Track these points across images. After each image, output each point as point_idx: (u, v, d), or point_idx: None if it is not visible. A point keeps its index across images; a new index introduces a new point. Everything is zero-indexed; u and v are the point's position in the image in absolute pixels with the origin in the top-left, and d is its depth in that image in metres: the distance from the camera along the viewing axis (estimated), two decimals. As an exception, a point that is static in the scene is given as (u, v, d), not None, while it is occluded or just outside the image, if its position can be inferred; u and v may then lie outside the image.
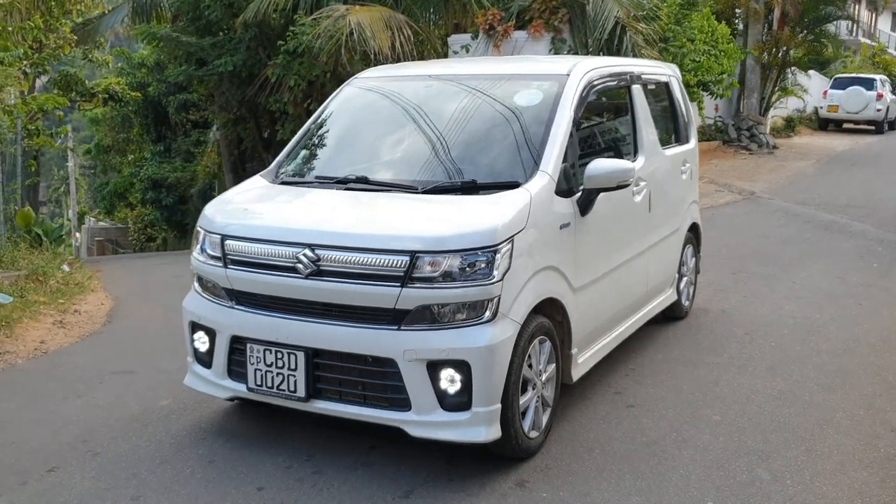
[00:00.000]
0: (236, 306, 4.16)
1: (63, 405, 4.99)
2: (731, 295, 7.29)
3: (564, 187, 4.29)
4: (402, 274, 3.71)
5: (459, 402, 3.74)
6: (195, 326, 4.37)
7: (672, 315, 6.26)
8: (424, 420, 3.77)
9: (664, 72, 6.12)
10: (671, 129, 6.10)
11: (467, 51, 13.55)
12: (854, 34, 35.81)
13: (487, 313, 3.73)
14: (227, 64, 13.20)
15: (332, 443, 4.29)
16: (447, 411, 3.76)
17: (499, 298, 3.74)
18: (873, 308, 6.93)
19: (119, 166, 24.76)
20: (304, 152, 4.92)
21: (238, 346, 4.15)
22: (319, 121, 5.05)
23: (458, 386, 3.72)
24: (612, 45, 12.81)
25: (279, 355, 3.99)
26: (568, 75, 4.67)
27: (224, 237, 4.16)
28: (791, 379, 5.23)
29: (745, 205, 12.42)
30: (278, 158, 4.89)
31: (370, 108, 5.00)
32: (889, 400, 4.93)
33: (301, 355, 3.93)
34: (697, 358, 5.62)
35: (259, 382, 4.07)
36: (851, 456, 4.19)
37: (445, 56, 14.14)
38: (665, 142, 5.85)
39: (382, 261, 3.74)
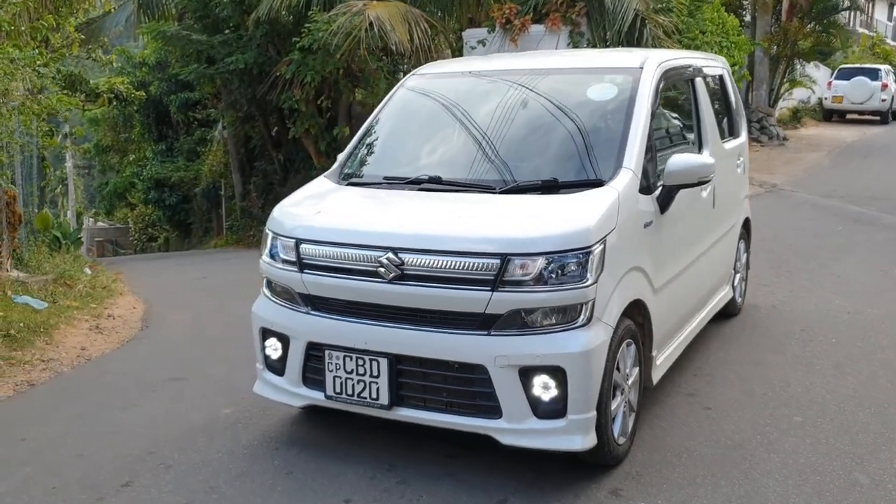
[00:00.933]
0: (312, 312, 4.02)
1: (122, 415, 4.85)
2: (777, 290, 7.19)
3: (645, 184, 4.16)
4: (492, 277, 3.58)
5: (554, 410, 3.62)
6: (266, 333, 4.23)
7: (726, 312, 6.15)
8: (516, 428, 3.65)
9: (718, 64, 6.00)
10: (727, 123, 5.99)
11: (483, 45, 13.39)
12: (852, 24, 35.79)
13: (582, 317, 3.60)
14: (239, 62, 13.03)
15: (410, 451, 4.16)
16: (541, 419, 3.63)
17: (593, 302, 3.61)
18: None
19: (118, 166, 24.55)
20: (366, 152, 4.77)
21: (315, 352, 4.01)
22: (380, 119, 4.90)
23: (552, 393, 3.60)
24: (632, 38, 12.70)
25: (360, 362, 3.86)
26: (641, 68, 4.54)
27: (299, 241, 4.02)
28: (861, 377, 5.13)
29: (770, 198, 12.33)
30: (340, 158, 4.75)
31: (434, 105, 4.84)
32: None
33: (384, 362, 3.80)
34: (760, 357, 5.51)
35: (338, 390, 3.94)
36: (945, 457, 4.08)
37: (461, 51, 14.02)
38: (722, 135, 5.73)
39: (472, 264, 3.61)
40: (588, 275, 3.58)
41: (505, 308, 3.58)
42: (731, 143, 5.92)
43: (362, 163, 4.73)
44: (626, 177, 4.02)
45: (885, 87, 27.04)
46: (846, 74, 26.77)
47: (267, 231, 4.27)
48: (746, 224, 6.39)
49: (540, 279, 3.56)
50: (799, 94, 26.08)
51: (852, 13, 25.81)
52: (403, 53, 13.42)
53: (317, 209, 4.24)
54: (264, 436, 4.43)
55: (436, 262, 3.67)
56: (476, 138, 4.51)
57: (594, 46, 13.10)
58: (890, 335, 5.97)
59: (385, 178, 4.46)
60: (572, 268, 3.57)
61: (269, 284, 4.28)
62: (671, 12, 13.78)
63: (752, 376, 5.14)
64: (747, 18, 21.41)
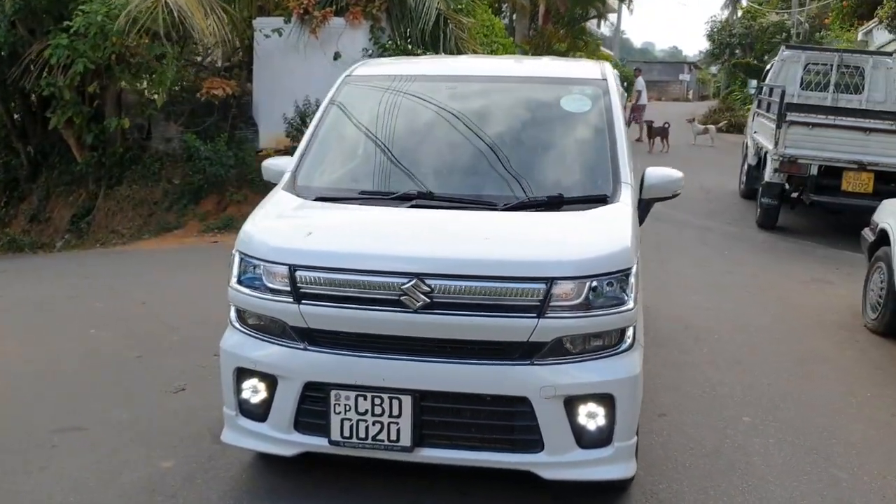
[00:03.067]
0: (310, 347, 3.53)
1: (32, 481, 3.96)
2: (637, 289, 7.53)
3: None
4: (538, 303, 3.35)
5: (599, 439, 3.47)
6: (243, 373, 3.67)
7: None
8: (560, 461, 3.45)
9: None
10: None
11: (280, 34, 12.80)
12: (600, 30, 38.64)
13: (627, 341, 3.49)
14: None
15: (411, 493, 3.81)
16: (585, 449, 3.47)
17: (635, 324, 3.52)
18: (760, 293, 7.57)
19: None
20: (322, 164, 4.30)
21: (313, 393, 3.54)
22: (326, 126, 4.43)
23: (600, 421, 3.45)
24: (435, 38, 12.76)
25: (377, 401, 3.46)
26: (605, 80, 4.51)
27: (294, 267, 3.51)
28: (766, 371, 5.53)
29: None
30: (290, 171, 4.23)
31: (392, 112, 4.46)
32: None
33: (407, 400, 3.44)
34: (674, 358, 5.74)
35: (347, 434, 3.50)
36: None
37: (250, 40, 13.37)
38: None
39: (515, 290, 3.35)
40: (631, 296, 3.47)
41: (550, 336, 3.37)
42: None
43: (323, 176, 4.24)
44: (629, 192, 3.96)
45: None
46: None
47: (237, 253, 3.70)
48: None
49: (587, 303, 3.39)
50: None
51: (600, 20, 28.13)
52: (198, 42, 12.53)
53: (305, 229, 3.72)
54: (232, 491, 3.85)
55: (472, 289, 3.36)
56: (455, 150, 4.23)
57: (395, 43, 13.02)
58: (755, 326, 6.52)
59: (362, 192, 4.03)
60: (617, 290, 3.44)
61: (241, 315, 3.72)
62: (471, 14, 14.06)
63: (680, 379, 5.33)
64: (506, 21, 22.39)
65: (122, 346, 5.97)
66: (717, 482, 4.00)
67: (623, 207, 3.82)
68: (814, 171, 10.00)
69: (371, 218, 3.81)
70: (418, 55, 12.74)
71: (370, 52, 13.20)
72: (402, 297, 3.38)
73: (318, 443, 3.58)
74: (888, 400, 5.18)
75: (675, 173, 4.39)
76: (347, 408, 3.48)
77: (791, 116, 10.07)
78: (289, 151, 13.14)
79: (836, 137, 9.92)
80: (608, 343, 3.46)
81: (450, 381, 3.43)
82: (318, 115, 4.51)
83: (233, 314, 3.75)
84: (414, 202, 3.85)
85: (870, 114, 10.44)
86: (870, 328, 6.59)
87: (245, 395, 3.68)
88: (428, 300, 3.36)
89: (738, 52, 38.57)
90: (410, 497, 3.79)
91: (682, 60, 69.27)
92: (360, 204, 3.94)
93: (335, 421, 3.50)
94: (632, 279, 3.48)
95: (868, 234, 7.05)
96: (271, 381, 3.60)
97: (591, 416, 3.44)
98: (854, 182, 9.92)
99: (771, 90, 11.81)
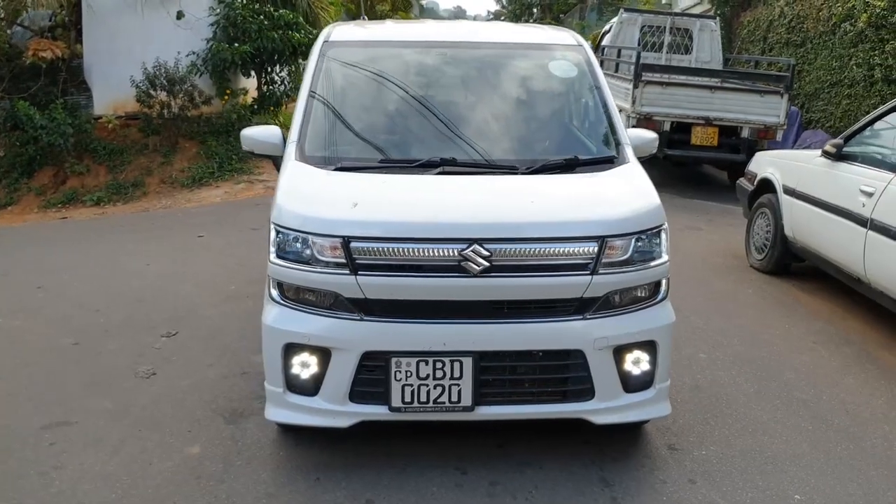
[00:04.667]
0: (366, 318, 3.55)
1: (49, 484, 3.67)
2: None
3: (624, 160, 4.40)
4: (591, 261, 3.56)
5: (643, 382, 3.75)
6: (292, 349, 3.61)
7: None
8: (609, 406, 3.70)
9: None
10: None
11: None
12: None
13: (662, 291, 3.78)
14: None
15: (472, 448, 3.94)
16: (630, 393, 3.74)
17: (668, 276, 3.81)
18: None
19: None
20: (328, 134, 4.22)
21: (371, 363, 3.56)
22: (319, 95, 4.34)
23: (644, 367, 3.72)
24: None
25: (438, 365, 3.55)
26: (582, 45, 4.73)
27: (349, 239, 3.49)
28: (696, 312, 6.05)
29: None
30: (295, 142, 4.12)
31: (389, 77, 4.42)
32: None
33: (468, 361, 3.55)
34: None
35: (409, 399, 3.57)
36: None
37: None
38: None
39: (571, 250, 3.54)
40: (664, 250, 3.75)
41: (602, 291, 3.59)
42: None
43: (333, 146, 4.17)
44: (632, 152, 4.23)
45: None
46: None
47: (277, 228, 3.62)
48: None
49: (632, 259, 3.64)
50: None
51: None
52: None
53: (348, 200, 3.67)
54: (288, 467, 3.80)
55: (530, 251, 3.51)
56: (461, 116, 4.29)
57: (243, 2, 12.63)
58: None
59: (382, 161, 4.02)
60: (655, 245, 3.71)
61: (282, 289, 3.65)
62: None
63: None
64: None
65: (48, 334, 5.57)
66: (713, 412, 4.43)
67: (636, 167, 4.09)
68: (667, 127, 10.80)
69: (409, 185, 3.82)
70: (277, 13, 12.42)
71: (217, 10, 12.68)
72: (461, 263, 3.47)
73: (375, 411, 3.61)
74: (803, 329, 5.86)
75: (650, 134, 4.70)
76: (409, 374, 3.54)
77: (646, 77, 10.80)
78: (137, 116, 12.52)
79: (685, 95, 10.78)
80: (648, 294, 3.73)
81: (508, 340, 3.57)
82: (307, 81, 4.39)
83: (273, 289, 3.66)
84: (441, 169, 3.90)
85: (716, 73, 11.42)
86: (756, 267, 7.35)
87: (295, 370, 3.62)
88: (488, 264, 3.47)
89: (537, 12, 40.16)
90: (455, 453, 3.90)
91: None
92: (386, 172, 3.93)
93: (396, 388, 3.55)
94: (664, 234, 3.76)
95: (746, 184, 7.81)
96: (324, 354, 3.58)
97: (636, 363, 3.71)
98: (701, 136, 10.85)
99: (619, 52, 12.56)
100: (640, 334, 3.67)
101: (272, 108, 13.15)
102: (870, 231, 5.53)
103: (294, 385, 3.65)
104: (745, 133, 10.79)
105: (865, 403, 4.67)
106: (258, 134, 4.45)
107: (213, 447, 3.95)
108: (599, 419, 3.71)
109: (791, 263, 7.09)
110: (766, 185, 7.33)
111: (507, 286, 3.52)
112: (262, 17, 12.35)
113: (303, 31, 12.60)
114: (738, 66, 14.62)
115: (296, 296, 3.62)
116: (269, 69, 13.00)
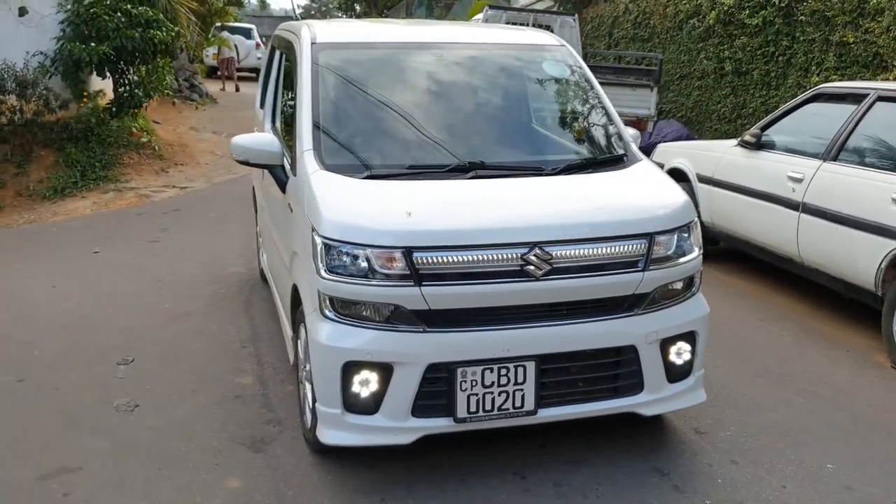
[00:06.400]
0: (429, 329, 3.45)
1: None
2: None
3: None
4: (642, 258, 3.64)
5: (683, 371, 3.88)
6: (353, 367, 3.45)
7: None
8: (656, 398, 3.80)
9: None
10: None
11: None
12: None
13: (697, 283, 3.92)
14: None
15: (506, 453, 3.91)
16: (673, 383, 3.86)
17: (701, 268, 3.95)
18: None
19: None
20: (343, 140, 4.03)
21: (434, 375, 3.47)
22: (325, 98, 4.14)
23: (685, 356, 3.85)
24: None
25: (503, 371, 3.52)
26: (565, 46, 4.80)
27: (411, 250, 3.37)
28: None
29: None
30: (308, 150, 3.91)
31: (391, 80, 4.28)
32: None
33: (531, 365, 3.54)
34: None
35: (474, 409, 3.51)
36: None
37: None
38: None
39: (624, 248, 3.60)
40: (698, 244, 3.89)
41: (652, 286, 3.68)
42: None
43: (351, 154, 3.99)
44: (638, 150, 4.35)
45: (258, 46, 29.38)
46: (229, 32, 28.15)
47: (327, 241, 3.43)
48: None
49: (675, 253, 3.75)
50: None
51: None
52: None
53: (399, 210, 3.52)
54: (353, 486, 3.61)
55: (589, 251, 3.54)
56: (471, 118, 4.26)
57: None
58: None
59: (410, 167, 3.90)
60: (690, 239, 3.84)
61: (334, 305, 3.47)
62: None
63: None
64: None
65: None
66: (713, 394, 4.58)
67: (651, 164, 4.21)
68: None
69: (452, 191, 3.74)
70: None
71: (66, 7, 11.78)
72: (524, 267, 3.45)
73: (438, 424, 3.53)
74: (744, 308, 6.26)
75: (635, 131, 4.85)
76: (474, 383, 3.49)
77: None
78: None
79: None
80: (689, 286, 3.87)
81: (566, 341, 3.59)
82: (305, 84, 4.17)
83: (324, 306, 3.48)
84: (473, 173, 3.85)
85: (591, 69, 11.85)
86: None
87: (355, 389, 3.47)
88: (549, 267, 3.47)
89: (360, 8, 40.01)
90: (504, 458, 3.87)
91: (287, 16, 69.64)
92: (418, 179, 3.82)
93: (461, 398, 3.48)
94: (697, 228, 3.90)
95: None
96: (385, 370, 3.45)
97: (679, 354, 3.84)
98: (580, 129, 11.25)
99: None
100: (684, 326, 3.80)
101: (134, 111, 12.36)
102: (802, 214, 5.97)
103: (353, 404, 3.50)
104: (619, 125, 11.30)
105: (835, 373, 5.05)
106: (254, 143, 4.22)
107: (252, 479, 3.69)
108: (647, 411, 3.81)
109: (707, 247, 7.51)
110: (677, 175, 7.71)
111: (568, 287, 3.53)
112: (119, 14, 11.55)
113: (164, 29, 11.91)
114: (600, 60, 15.26)
115: (350, 311, 3.46)
116: (128, 70, 12.19)
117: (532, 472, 3.77)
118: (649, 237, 3.64)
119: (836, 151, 5.87)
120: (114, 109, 12.16)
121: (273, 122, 5.25)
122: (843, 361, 5.24)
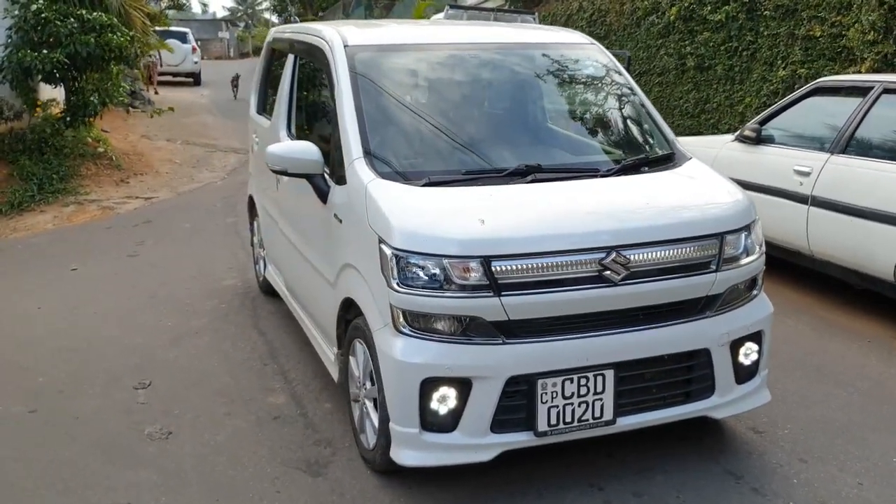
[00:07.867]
0: (508, 340, 3.32)
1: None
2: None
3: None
4: (714, 258, 3.57)
5: (750, 372, 3.83)
6: (431, 383, 3.29)
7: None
8: (727, 400, 3.73)
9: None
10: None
11: None
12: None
13: (759, 283, 3.87)
14: None
15: (576, 465, 3.80)
16: (740, 384, 3.79)
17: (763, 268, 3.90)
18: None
19: None
20: (395, 146, 3.87)
21: (513, 388, 3.34)
22: (367, 102, 3.96)
23: (753, 357, 3.79)
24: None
25: (583, 381, 3.41)
26: (594, 44, 4.72)
27: (489, 259, 3.23)
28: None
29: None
30: (357, 158, 3.73)
31: (431, 83, 4.13)
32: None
33: (610, 374, 3.44)
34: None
35: (554, 421, 3.39)
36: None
37: None
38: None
39: (698, 248, 3.53)
40: (759, 242, 3.84)
41: (724, 287, 3.61)
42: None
43: (408, 160, 3.82)
44: (683, 147, 4.28)
45: (195, 50, 28.73)
46: (161, 35, 27.43)
47: (398, 253, 3.27)
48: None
49: (742, 252, 3.69)
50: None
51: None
52: None
53: (470, 218, 3.36)
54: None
55: (664, 254, 3.46)
56: (519, 120, 4.14)
57: None
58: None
59: (466, 172, 3.74)
60: (752, 239, 3.78)
61: (408, 319, 3.31)
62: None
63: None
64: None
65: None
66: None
67: (700, 162, 4.14)
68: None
69: (519, 196, 3.60)
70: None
71: (13, 12, 11.26)
72: (603, 272, 3.34)
73: (518, 438, 3.41)
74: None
75: None
76: (554, 395, 3.37)
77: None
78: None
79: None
80: (754, 286, 3.81)
81: (644, 347, 3.50)
82: (345, 91, 3.98)
83: (397, 319, 3.32)
84: (532, 177, 3.72)
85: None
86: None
87: (433, 406, 3.31)
88: (627, 271, 3.38)
89: (294, 9, 39.47)
90: (575, 470, 3.76)
91: (216, 18, 68.55)
92: (476, 185, 3.67)
93: (542, 411, 3.37)
94: (759, 227, 3.84)
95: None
96: (463, 385, 3.31)
97: (747, 355, 3.78)
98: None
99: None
100: (752, 326, 3.75)
101: (90, 120, 11.87)
102: (812, 207, 6.00)
103: (430, 423, 3.34)
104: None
105: (866, 364, 5.07)
106: (292, 151, 4.02)
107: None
108: (719, 414, 3.76)
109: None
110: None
111: (645, 292, 3.44)
112: (71, 19, 11.07)
113: (119, 33, 11.46)
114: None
115: (423, 324, 3.30)
116: (80, 77, 11.70)
117: (608, 483, 3.67)
118: (720, 237, 3.57)
119: (844, 144, 5.92)
120: (67, 119, 11.66)
121: (289, 128, 5.03)
122: (870, 352, 5.27)
